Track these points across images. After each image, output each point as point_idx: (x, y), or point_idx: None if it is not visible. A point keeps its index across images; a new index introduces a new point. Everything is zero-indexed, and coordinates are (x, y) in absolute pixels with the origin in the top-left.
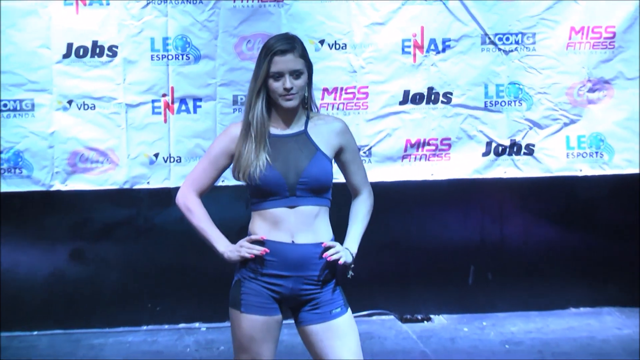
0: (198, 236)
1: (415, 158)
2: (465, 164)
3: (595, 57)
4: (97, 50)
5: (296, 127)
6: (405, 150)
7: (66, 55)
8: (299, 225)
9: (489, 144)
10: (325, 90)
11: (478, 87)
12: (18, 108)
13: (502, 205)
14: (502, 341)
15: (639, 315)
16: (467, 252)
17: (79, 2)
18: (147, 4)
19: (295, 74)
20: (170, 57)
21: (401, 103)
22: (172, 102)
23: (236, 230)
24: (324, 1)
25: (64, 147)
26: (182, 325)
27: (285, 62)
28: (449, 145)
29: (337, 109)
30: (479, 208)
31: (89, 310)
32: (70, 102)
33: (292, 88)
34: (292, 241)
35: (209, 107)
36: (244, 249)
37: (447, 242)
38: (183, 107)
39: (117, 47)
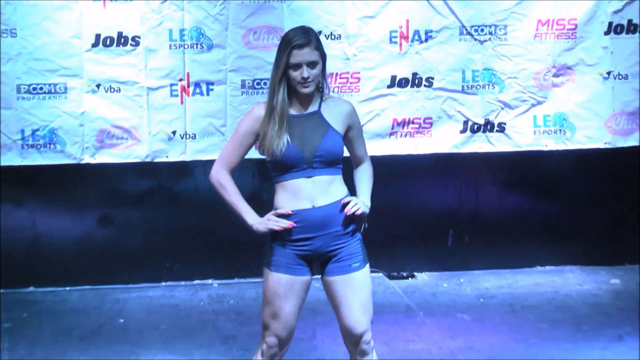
0: (229, 209)
1: (401, 135)
2: (444, 140)
3: (559, 46)
4: (122, 40)
5: (311, 108)
6: (392, 128)
7: (95, 45)
8: (317, 192)
9: (465, 122)
10: None
11: (456, 72)
12: (52, 91)
13: (477, 177)
14: (477, 295)
15: (598, 272)
16: (447, 218)
17: None
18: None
19: (312, 65)
20: (186, 46)
21: (389, 87)
22: (188, 86)
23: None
24: None
25: (93, 126)
26: (196, 281)
27: (302, 54)
28: (431, 124)
29: (333, 92)
30: (457, 179)
31: (114, 268)
32: (98, 85)
33: (309, 77)
34: (313, 206)
35: (220, 90)
36: (272, 222)
37: (429, 208)
38: (197, 90)
39: (139, 37)
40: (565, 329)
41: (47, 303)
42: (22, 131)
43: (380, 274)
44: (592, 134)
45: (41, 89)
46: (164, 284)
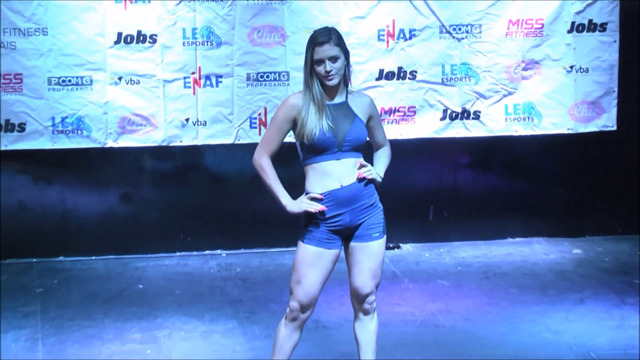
0: (267, 191)
1: (388, 122)
2: (426, 126)
3: (528, 43)
4: (141, 38)
5: (339, 99)
6: (380, 115)
7: (117, 42)
8: (345, 172)
9: (445, 110)
10: None
11: (437, 66)
12: (80, 83)
13: (455, 159)
14: (455, 264)
15: (562, 243)
16: (428, 195)
17: (127, 0)
18: (180, 2)
19: (333, 59)
20: (197, 43)
21: (377, 79)
22: (199, 79)
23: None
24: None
25: (115, 114)
26: (207, 252)
27: (323, 51)
28: (414, 112)
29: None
30: (438, 161)
31: (134, 240)
32: (120, 78)
33: (331, 70)
34: (341, 185)
35: (228, 82)
36: (305, 204)
37: (413, 187)
38: (208, 82)
39: (156, 35)
40: (533, 294)
41: (75, 271)
42: (53, 118)
43: None
44: (557, 121)
45: (69, 81)
46: (178, 254)
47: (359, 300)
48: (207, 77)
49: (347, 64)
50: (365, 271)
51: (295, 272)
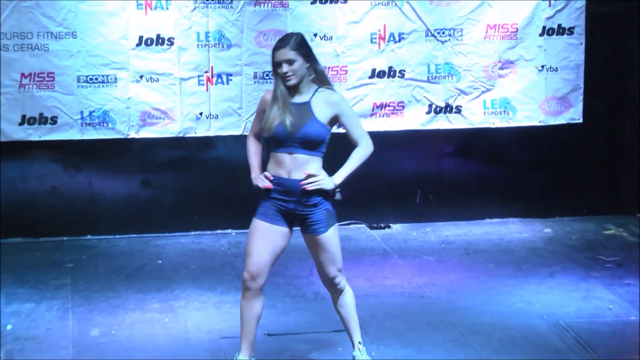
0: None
1: (380, 115)
2: (414, 119)
3: (504, 45)
4: (159, 40)
5: (303, 98)
6: (373, 110)
7: (138, 44)
8: (294, 167)
9: (430, 105)
10: None
11: (423, 66)
12: (105, 81)
13: (439, 148)
14: (439, 242)
15: (534, 224)
16: (416, 181)
17: (147, 6)
18: (194, 8)
19: (289, 62)
20: (210, 45)
21: (370, 77)
22: (212, 77)
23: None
24: (317, 6)
25: (137, 108)
26: (218, 231)
27: (280, 54)
28: (403, 107)
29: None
30: (424, 150)
31: (154, 220)
32: (141, 76)
33: (287, 72)
34: (289, 176)
35: (237, 80)
36: (259, 179)
37: (402, 173)
38: (219, 80)
39: (173, 38)
40: (508, 268)
41: (101, 248)
42: (82, 112)
43: (364, 225)
44: (529, 114)
45: (96, 79)
46: (193, 233)
47: (326, 283)
48: (219, 76)
49: (314, 65)
50: (323, 262)
51: (247, 245)
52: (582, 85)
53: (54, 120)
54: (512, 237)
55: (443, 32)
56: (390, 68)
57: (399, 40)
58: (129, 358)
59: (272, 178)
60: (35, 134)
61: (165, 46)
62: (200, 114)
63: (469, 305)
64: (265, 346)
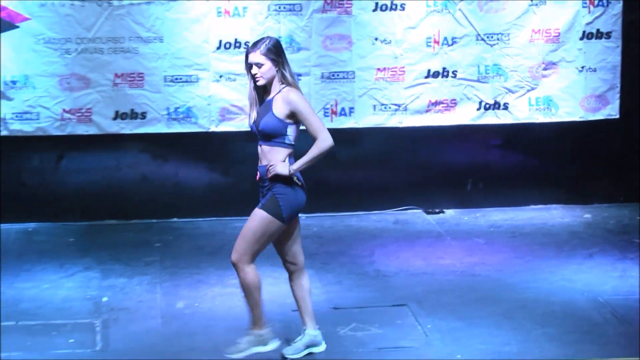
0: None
1: (434, 111)
2: (465, 115)
3: (547, 48)
4: (237, 44)
5: (270, 96)
6: (428, 106)
7: (218, 48)
8: (262, 156)
9: (480, 102)
10: (378, 69)
11: (473, 67)
12: (189, 80)
13: (488, 141)
14: (488, 225)
15: (574, 209)
16: (467, 170)
17: (226, 14)
18: (268, 15)
19: (258, 65)
20: None
21: (425, 77)
22: None
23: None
24: (378, 13)
25: (217, 105)
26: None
27: (251, 57)
28: (455, 104)
29: (386, 80)
30: (474, 142)
31: (232, 205)
32: (220, 76)
33: (256, 74)
34: (260, 165)
35: (306, 80)
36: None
37: (455, 163)
38: None
39: (249, 42)
40: (551, 250)
41: (186, 229)
42: (168, 108)
43: (420, 210)
44: (570, 110)
45: (181, 79)
46: None
47: None
48: None
49: (282, 67)
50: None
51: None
52: (618, 85)
53: (143, 116)
54: (554, 222)
55: (492, 36)
56: (443, 69)
57: (452, 44)
58: (211, 327)
59: (258, 168)
60: (127, 127)
61: (242, 49)
62: None
63: (515, 282)
64: (332, 318)
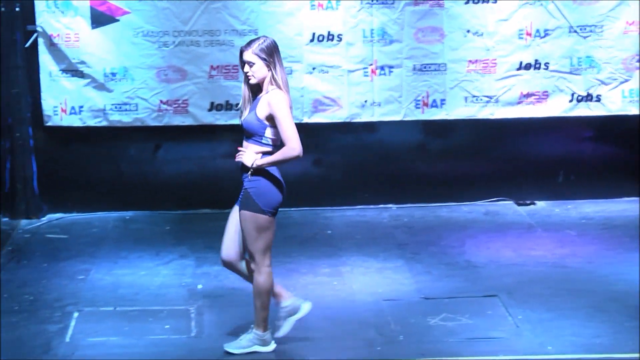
0: None
1: (526, 103)
2: (557, 107)
3: None
4: (330, 37)
5: (259, 95)
6: (519, 98)
7: (311, 40)
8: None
9: (572, 94)
10: (469, 61)
11: (566, 59)
12: None
13: (580, 133)
14: (580, 217)
15: None
16: (558, 162)
17: (319, 7)
18: (361, 8)
19: (250, 64)
20: (374, 41)
21: (517, 69)
22: (376, 69)
23: None
24: (470, 5)
25: (309, 96)
26: (381, 205)
27: (245, 56)
28: (547, 95)
29: (477, 72)
30: (566, 134)
31: (324, 195)
32: (314, 68)
33: (247, 72)
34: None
35: (398, 71)
36: None
37: (546, 155)
38: (382, 72)
39: (342, 35)
40: None
41: (278, 219)
42: None
43: (511, 202)
44: None
45: None
46: (358, 207)
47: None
48: (382, 68)
49: (273, 68)
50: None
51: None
52: None
53: (238, 107)
54: None
55: (585, 28)
56: (535, 61)
57: (544, 36)
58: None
59: None
60: (222, 118)
61: (334, 42)
62: (365, 101)
63: (606, 275)
64: (422, 308)
